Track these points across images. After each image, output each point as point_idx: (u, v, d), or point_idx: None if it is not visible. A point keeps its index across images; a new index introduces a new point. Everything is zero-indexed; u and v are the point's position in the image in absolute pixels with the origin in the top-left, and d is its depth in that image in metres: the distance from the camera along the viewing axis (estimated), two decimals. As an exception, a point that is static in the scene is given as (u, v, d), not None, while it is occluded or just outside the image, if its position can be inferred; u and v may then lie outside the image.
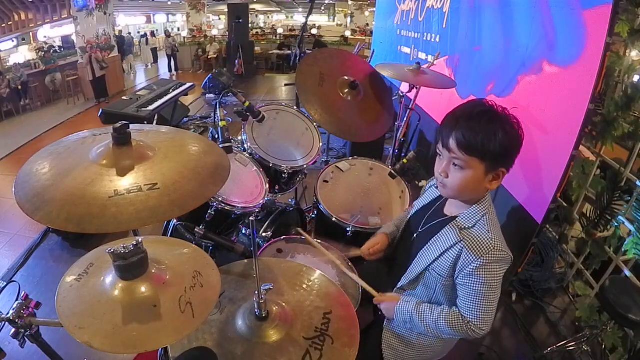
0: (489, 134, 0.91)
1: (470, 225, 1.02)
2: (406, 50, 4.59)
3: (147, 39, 13.02)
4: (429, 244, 1.10)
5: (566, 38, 1.89)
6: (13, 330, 1.01)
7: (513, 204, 2.25)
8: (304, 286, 1.18)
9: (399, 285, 1.21)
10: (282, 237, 1.62)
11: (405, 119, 2.45)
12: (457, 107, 0.99)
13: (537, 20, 2.10)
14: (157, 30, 14.77)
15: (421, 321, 1.09)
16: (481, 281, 0.98)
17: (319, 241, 1.53)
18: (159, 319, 0.79)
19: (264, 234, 1.75)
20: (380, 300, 1.21)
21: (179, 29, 15.24)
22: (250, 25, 10.82)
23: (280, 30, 14.59)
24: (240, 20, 9.19)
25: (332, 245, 1.55)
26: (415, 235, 1.21)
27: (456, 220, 1.05)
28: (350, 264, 1.47)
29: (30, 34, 9.35)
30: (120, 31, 9.80)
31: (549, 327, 2.22)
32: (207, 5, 13.80)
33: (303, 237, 1.56)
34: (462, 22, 3.05)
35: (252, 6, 13.17)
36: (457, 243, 1.01)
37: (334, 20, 17.28)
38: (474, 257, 0.97)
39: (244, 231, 1.81)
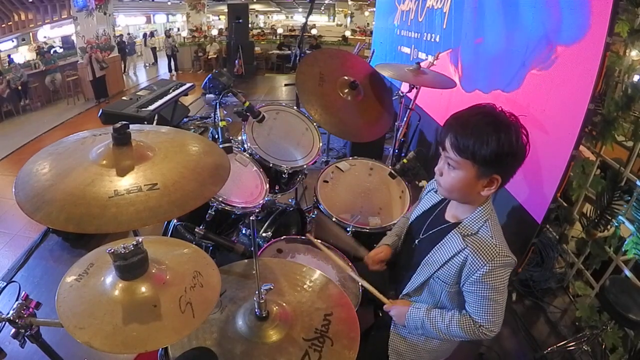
0: (480, 139, 0.91)
1: (474, 232, 1.01)
2: (406, 50, 4.59)
3: (145, 40, 13.03)
4: (432, 251, 1.09)
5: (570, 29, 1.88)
6: (13, 330, 1.01)
7: (513, 204, 2.25)
8: (305, 286, 1.17)
9: (404, 292, 1.20)
10: (282, 237, 1.61)
11: (405, 119, 2.46)
12: (463, 109, 0.99)
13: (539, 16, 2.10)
14: (156, 30, 14.79)
15: (433, 326, 1.09)
16: (489, 287, 0.98)
17: (325, 244, 1.53)
18: (159, 319, 0.79)
19: (264, 234, 1.75)
20: (390, 307, 1.20)
21: (178, 29, 15.25)
22: (250, 25, 10.82)
23: (280, 31, 14.58)
24: (240, 21, 9.19)
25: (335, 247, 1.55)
26: (416, 241, 1.20)
27: (459, 227, 1.04)
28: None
29: (30, 34, 9.37)
30: (121, 35, 9.81)
31: (549, 327, 2.22)
32: (207, 5, 13.80)
33: (309, 240, 1.53)
34: (465, 16, 3.04)
35: (252, 6, 13.17)
36: (461, 250, 1.01)
37: (333, 20, 17.27)
38: (480, 264, 0.97)
39: (244, 231, 1.81)
